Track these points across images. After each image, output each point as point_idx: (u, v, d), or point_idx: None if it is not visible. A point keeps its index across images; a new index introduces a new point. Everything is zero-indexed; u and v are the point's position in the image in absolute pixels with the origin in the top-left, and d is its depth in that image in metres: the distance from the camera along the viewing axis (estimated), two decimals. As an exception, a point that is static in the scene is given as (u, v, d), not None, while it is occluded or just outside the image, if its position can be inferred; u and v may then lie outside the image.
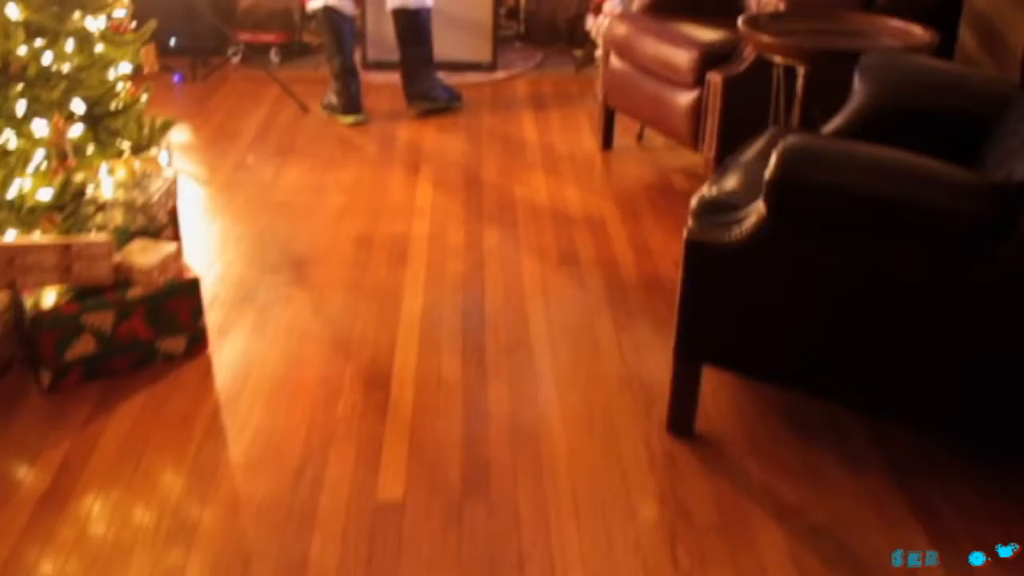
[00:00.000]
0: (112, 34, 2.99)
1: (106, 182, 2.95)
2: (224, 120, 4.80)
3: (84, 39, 2.89)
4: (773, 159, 2.14)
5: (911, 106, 2.75)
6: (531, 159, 4.34)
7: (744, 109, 3.63)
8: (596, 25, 5.60)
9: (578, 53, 5.72)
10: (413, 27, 4.81)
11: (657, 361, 2.85)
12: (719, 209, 2.41)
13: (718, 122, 3.66)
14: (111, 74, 3.05)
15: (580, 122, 4.80)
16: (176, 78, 5.37)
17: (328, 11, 4.68)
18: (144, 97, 3.17)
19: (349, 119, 4.73)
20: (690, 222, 2.40)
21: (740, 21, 3.35)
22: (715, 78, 3.64)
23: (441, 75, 5.28)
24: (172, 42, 5.51)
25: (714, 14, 4.11)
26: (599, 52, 5.63)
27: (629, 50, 4.05)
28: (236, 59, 5.53)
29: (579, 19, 5.76)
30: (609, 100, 4.29)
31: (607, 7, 5.63)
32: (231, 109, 4.95)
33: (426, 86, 4.84)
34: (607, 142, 4.41)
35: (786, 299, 2.28)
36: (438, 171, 4.21)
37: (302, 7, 5.68)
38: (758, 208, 2.23)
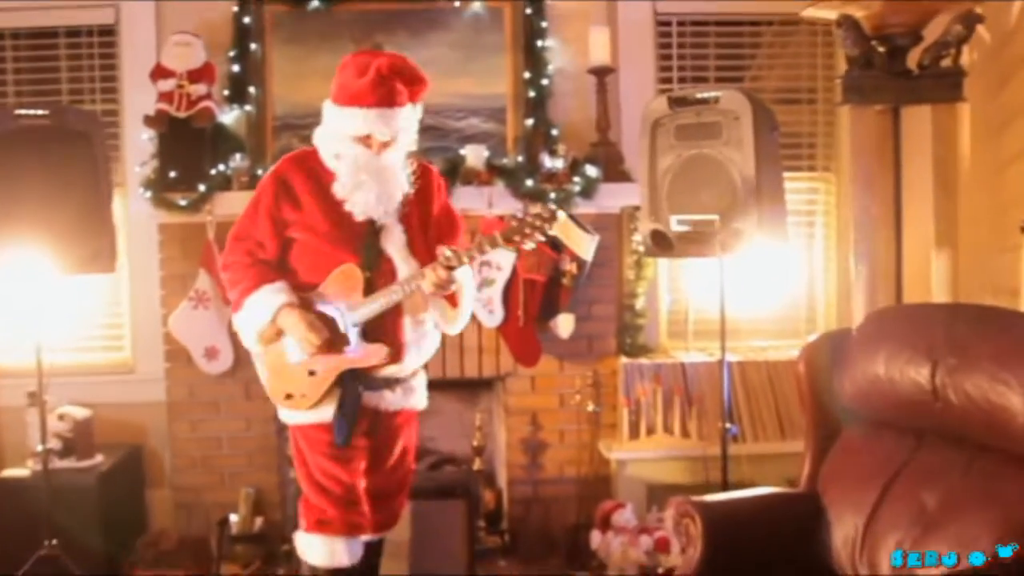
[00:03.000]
0: None
1: None
2: None
3: None
4: None
5: None
6: None
7: None
8: (604, 543, 4.33)
9: (581, 578, 4.39)
10: None
11: None
12: None
13: None
14: None
15: None
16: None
17: None
18: None
19: None
20: None
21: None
22: None
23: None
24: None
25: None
26: (610, 579, 4.32)
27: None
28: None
29: (580, 531, 4.48)
30: None
31: (616, 520, 4.39)
32: None
33: None
34: None
35: None
36: None
37: (220, 532, 4.42)
38: None
